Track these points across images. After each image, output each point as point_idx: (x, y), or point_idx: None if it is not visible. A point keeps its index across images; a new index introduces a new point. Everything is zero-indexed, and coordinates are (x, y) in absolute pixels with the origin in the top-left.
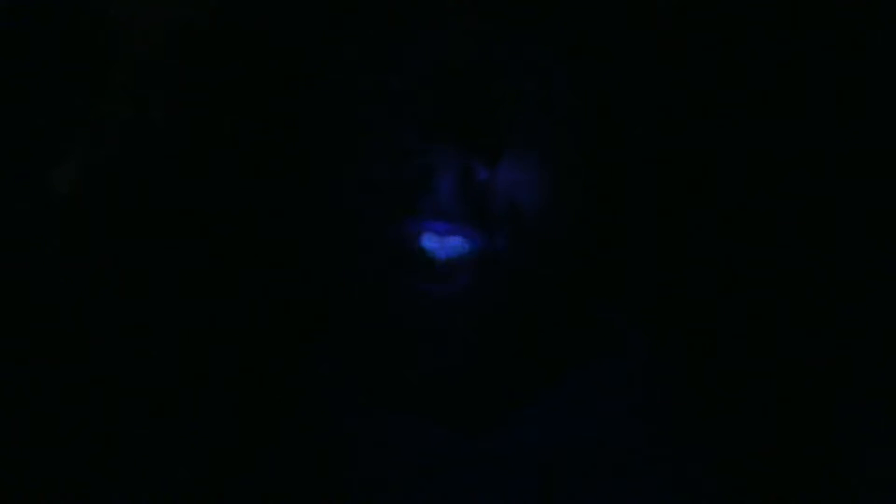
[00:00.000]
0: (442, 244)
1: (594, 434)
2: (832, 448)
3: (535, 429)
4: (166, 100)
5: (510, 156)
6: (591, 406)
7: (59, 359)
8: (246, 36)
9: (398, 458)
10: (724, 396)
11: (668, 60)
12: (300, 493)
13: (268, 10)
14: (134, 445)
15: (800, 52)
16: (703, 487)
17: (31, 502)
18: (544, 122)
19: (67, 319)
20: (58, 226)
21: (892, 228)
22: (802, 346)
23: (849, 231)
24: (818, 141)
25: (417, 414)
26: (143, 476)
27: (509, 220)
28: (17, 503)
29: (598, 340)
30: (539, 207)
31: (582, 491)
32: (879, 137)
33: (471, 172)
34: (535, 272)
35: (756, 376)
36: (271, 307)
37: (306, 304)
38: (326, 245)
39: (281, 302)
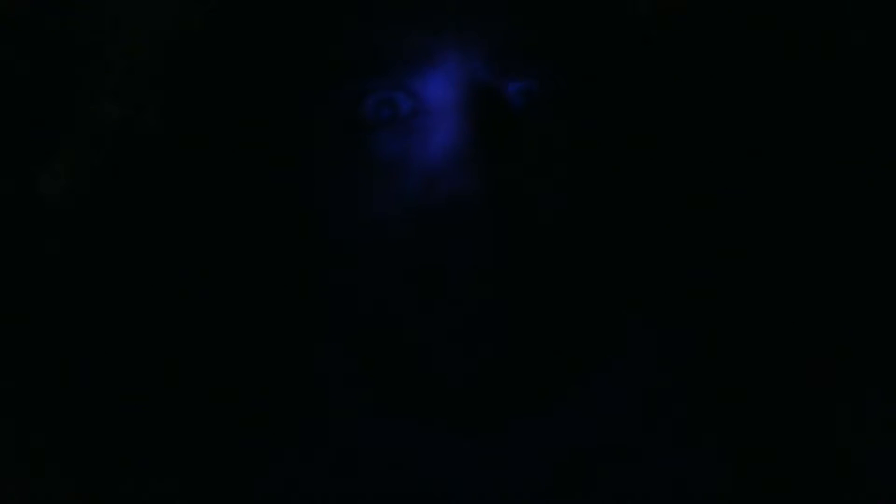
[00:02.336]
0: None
1: (603, 436)
2: (839, 450)
3: (543, 431)
4: (160, 101)
5: (521, 158)
6: (599, 407)
7: (56, 361)
8: (242, 37)
9: (404, 462)
10: (734, 397)
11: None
12: (302, 497)
13: (265, 11)
14: (131, 450)
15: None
16: (711, 488)
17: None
18: (555, 124)
19: (61, 322)
20: (49, 228)
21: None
22: (811, 347)
23: (852, 230)
24: (819, 141)
25: (423, 417)
26: (141, 479)
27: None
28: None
29: (607, 341)
30: (547, 207)
31: (590, 492)
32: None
33: None
34: (543, 273)
35: (765, 377)
36: (270, 307)
37: (306, 303)
38: (326, 243)
39: (280, 301)
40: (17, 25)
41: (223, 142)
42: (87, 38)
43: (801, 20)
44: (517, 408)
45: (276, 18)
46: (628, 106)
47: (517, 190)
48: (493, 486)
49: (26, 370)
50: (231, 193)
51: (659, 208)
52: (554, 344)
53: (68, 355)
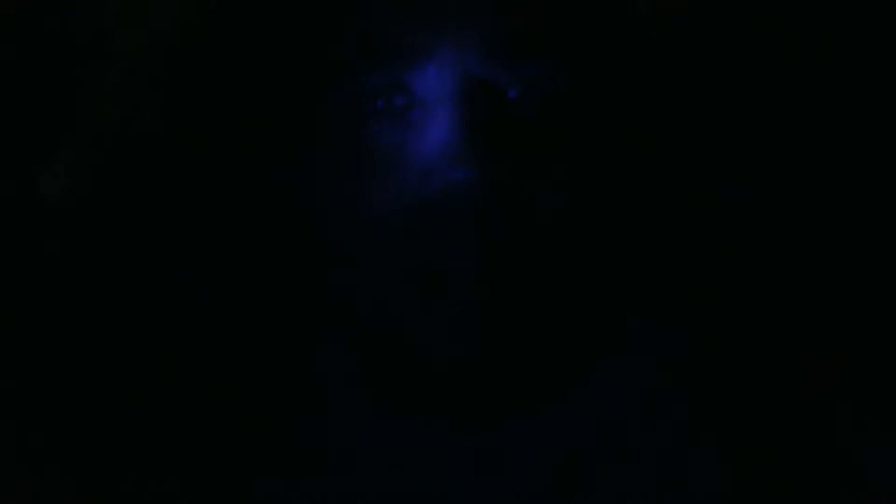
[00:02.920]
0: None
1: (602, 436)
2: (839, 450)
3: (543, 431)
4: (160, 101)
5: (520, 156)
6: (599, 407)
7: (55, 361)
8: (241, 36)
9: (403, 462)
10: (734, 397)
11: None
12: (302, 497)
13: (265, 11)
14: (131, 450)
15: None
16: (711, 488)
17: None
18: (552, 120)
19: (61, 322)
20: (49, 228)
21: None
22: (811, 347)
23: (852, 230)
24: (819, 141)
25: (423, 417)
26: (141, 479)
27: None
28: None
29: (608, 340)
30: (547, 206)
31: (590, 492)
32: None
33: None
34: (540, 272)
35: (765, 377)
36: (270, 307)
37: (306, 303)
38: (325, 242)
39: (280, 301)
40: (17, 25)
41: (223, 141)
42: (87, 38)
43: (801, 20)
44: (516, 408)
45: (275, 18)
46: (627, 104)
47: (512, 185)
48: (493, 486)
49: (26, 370)
50: (231, 193)
51: (658, 207)
52: (553, 343)
53: (68, 355)
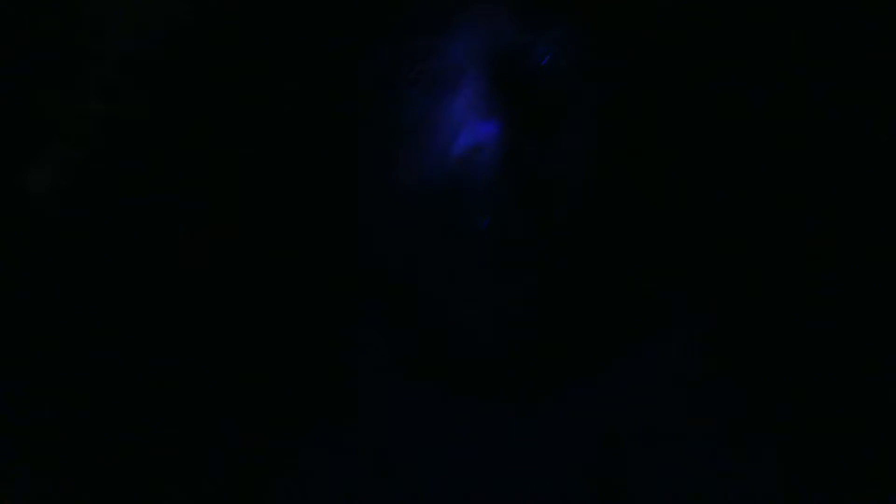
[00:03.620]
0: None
1: (635, 420)
2: (879, 438)
3: (588, 408)
4: (146, 96)
5: (552, 134)
6: (632, 391)
7: (56, 360)
8: (231, 32)
9: (450, 438)
10: (776, 382)
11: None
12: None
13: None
14: (165, 429)
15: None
16: (758, 468)
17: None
18: (585, 99)
19: (61, 320)
20: (35, 225)
21: None
22: (851, 335)
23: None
24: (847, 137)
25: (469, 393)
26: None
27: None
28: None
29: (652, 322)
30: (586, 191)
31: (633, 470)
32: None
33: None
34: (587, 256)
35: (803, 363)
36: (303, 284)
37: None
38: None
39: (313, 277)
40: (8, 23)
41: (210, 133)
42: (75, 32)
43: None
44: (550, 388)
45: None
46: (655, 71)
47: (540, 149)
48: (524, 467)
49: (25, 370)
50: (229, 189)
51: (699, 194)
52: (589, 323)
53: (72, 352)
